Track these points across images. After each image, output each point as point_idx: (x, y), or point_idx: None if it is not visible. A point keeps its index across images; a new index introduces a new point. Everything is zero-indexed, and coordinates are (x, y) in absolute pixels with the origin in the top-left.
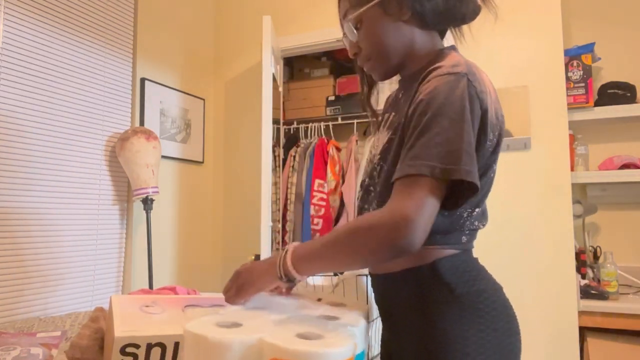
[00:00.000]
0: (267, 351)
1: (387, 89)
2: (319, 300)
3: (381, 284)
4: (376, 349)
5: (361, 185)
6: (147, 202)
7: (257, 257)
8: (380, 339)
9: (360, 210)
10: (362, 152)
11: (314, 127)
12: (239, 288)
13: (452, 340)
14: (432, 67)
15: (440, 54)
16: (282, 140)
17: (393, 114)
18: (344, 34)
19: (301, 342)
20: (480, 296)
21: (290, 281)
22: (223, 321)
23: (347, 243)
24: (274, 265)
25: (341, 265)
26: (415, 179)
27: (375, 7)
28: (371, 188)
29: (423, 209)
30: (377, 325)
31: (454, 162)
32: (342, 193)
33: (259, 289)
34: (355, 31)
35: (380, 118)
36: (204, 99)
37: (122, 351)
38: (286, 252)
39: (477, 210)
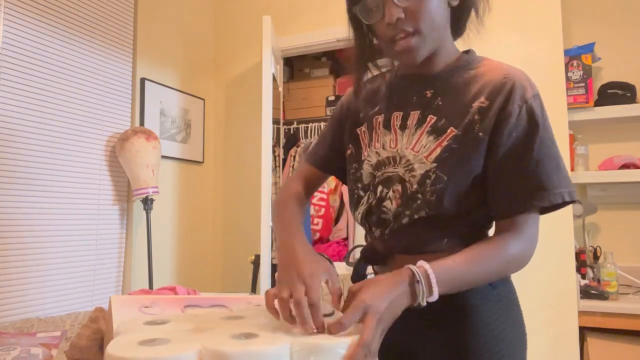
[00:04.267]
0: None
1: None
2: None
3: None
4: None
5: (387, 188)
6: (147, 202)
7: (257, 257)
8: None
9: (399, 216)
10: None
11: (314, 127)
12: (379, 322)
13: (495, 333)
14: (506, 83)
15: (472, 56)
16: (282, 140)
17: (432, 116)
18: None
19: (231, 343)
20: (507, 284)
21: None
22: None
23: (499, 270)
24: (411, 294)
25: (472, 285)
26: (536, 209)
27: None
28: (419, 195)
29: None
30: None
31: (571, 185)
32: (342, 193)
33: (392, 320)
34: None
35: (370, 111)
36: (204, 99)
37: None
38: (425, 276)
39: None
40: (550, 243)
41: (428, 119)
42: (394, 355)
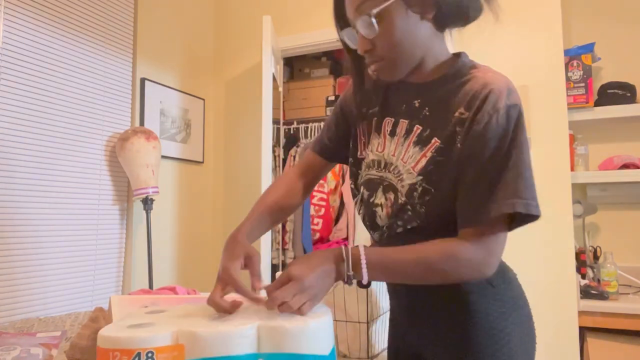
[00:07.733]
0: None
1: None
2: None
3: (410, 287)
4: (378, 347)
5: (375, 198)
6: (147, 202)
7: None
8: (389, 337)
9: (392, 226)
10: None
11: (314, 127)
12: (312, 298)
13: (498, 334)
14: (482, 92)
15: (462, 63)
16: (282, 140)
17: (418, 126)
18: (352, 27)
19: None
20: (511, 284)
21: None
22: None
23: (438, 266)
24: (336, 271)
25: (415, 280)
26: (502, 217)
27: (399, 1)
28: (409, 207)
29: (503, 246)
30: (383, 324)
31: (534, 198)
32: (342, 193)
33: (323, 292)
34: (376, 26)
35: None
36: (204, 99)
37: None
38: (355, 255)
39: None
40: (550, 243)
41: (415, 129)
42: (403, 356)
